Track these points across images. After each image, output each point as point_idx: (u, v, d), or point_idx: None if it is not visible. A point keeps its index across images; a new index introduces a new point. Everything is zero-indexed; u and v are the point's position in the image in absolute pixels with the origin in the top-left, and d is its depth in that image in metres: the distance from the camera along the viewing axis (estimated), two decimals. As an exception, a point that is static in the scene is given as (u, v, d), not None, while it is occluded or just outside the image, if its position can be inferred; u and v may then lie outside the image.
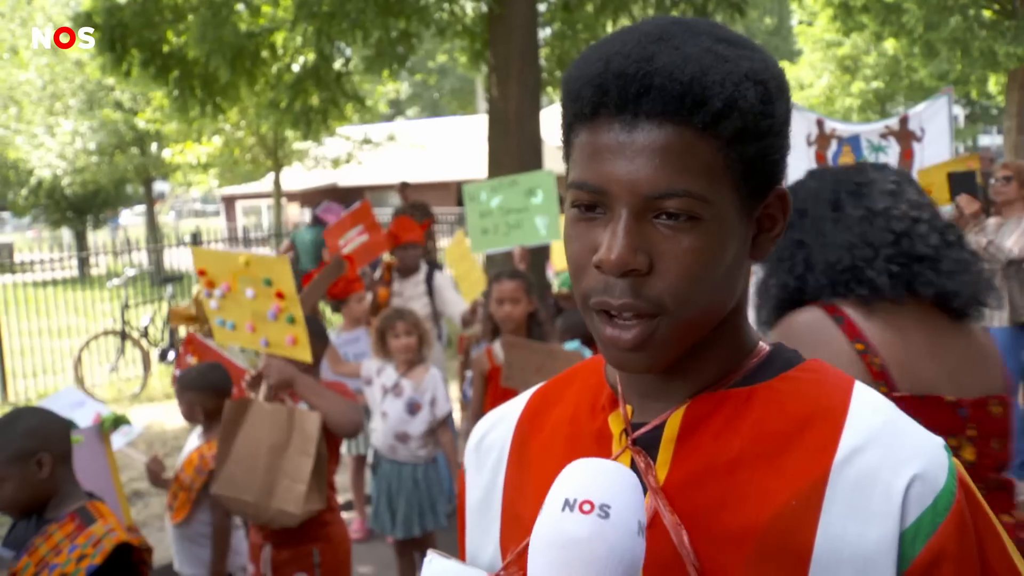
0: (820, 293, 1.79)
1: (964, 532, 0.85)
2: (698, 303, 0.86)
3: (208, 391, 3.73)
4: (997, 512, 1.19)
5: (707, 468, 0.88)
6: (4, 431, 2.31)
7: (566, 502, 0.77)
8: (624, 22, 10.89)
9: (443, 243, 11.55)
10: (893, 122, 7.58)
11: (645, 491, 0.89)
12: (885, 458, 0.85)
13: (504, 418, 1.08)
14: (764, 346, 0.97)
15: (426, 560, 0.90)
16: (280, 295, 3.22)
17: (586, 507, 0.76)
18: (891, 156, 7.53)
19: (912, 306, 1.77)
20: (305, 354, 3.23)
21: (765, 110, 0.86)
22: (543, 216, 5.95)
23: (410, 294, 5.69)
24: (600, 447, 0.96)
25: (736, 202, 0.87)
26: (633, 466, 0.91)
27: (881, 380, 1.69)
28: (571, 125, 0.89)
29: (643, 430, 0.93)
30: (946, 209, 6.26)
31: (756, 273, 1.84)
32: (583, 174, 0.86)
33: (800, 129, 7.49)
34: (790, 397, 0.90)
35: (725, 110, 0.83)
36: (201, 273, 3.43)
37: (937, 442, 0.88)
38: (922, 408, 1.66)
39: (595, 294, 0.87)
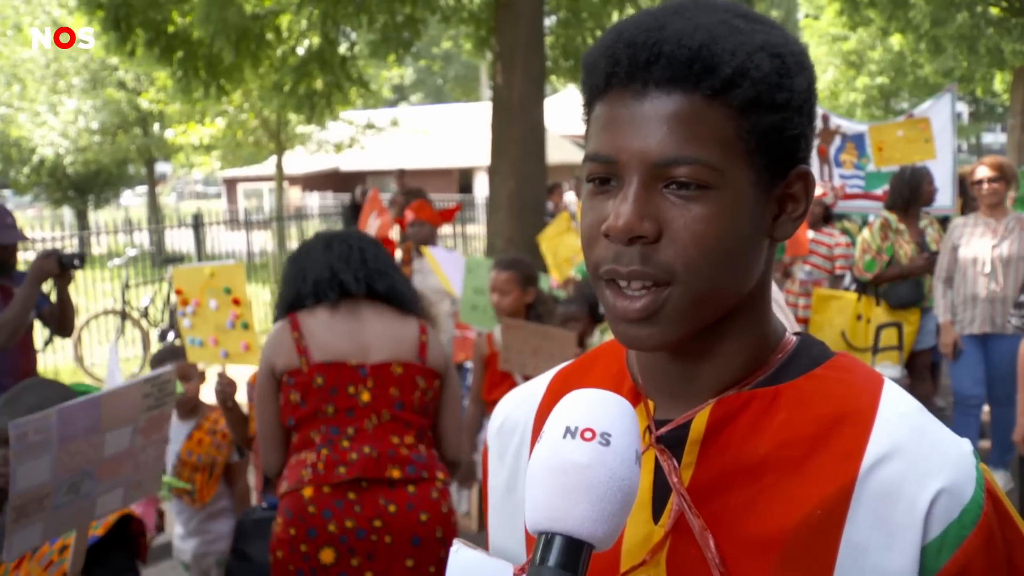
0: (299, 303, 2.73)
1: (991, 545, 0.84)
2: (710, 274, 0.84)
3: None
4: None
5: (733, 472, 0.88)
6: (11, 404, 2.31)
7: (567, 429, 0.78)
8: (630, 12, 10.86)
9: (445, 230, 11.53)
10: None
11: (669, 491, 0.89)
12: (911, 468, 0.84)
13: (525, 400, 1.06)
14: (791, 338, 0.95)
15: (452, 549, 0.90)
16: (236, 302, 3.25)
17: (587, 435, 0.77)
18: None
19: (346, 305, 2.70)
20: (256, 360, 3.15)
21: (781, 83, 0.84)
22: None
23: (429, 269, 5.91)
24: None
25: (751, 175, 0.85)
26: (656, 466, 0.91)
27: (303, 354, 2.61)
28: (589, 102, 0.90)
29: (667, 428, 0.91)
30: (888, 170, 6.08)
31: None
32: (595, 145, 0.87)
33: None
34: (817, 398, 0.89)
35: (735, 77, 0.82)
36: (179, 292, 3.47)
37: (965, 450, 0.86)
38: (329, 369, 2.59)
39: (605, 263, 0.86)
